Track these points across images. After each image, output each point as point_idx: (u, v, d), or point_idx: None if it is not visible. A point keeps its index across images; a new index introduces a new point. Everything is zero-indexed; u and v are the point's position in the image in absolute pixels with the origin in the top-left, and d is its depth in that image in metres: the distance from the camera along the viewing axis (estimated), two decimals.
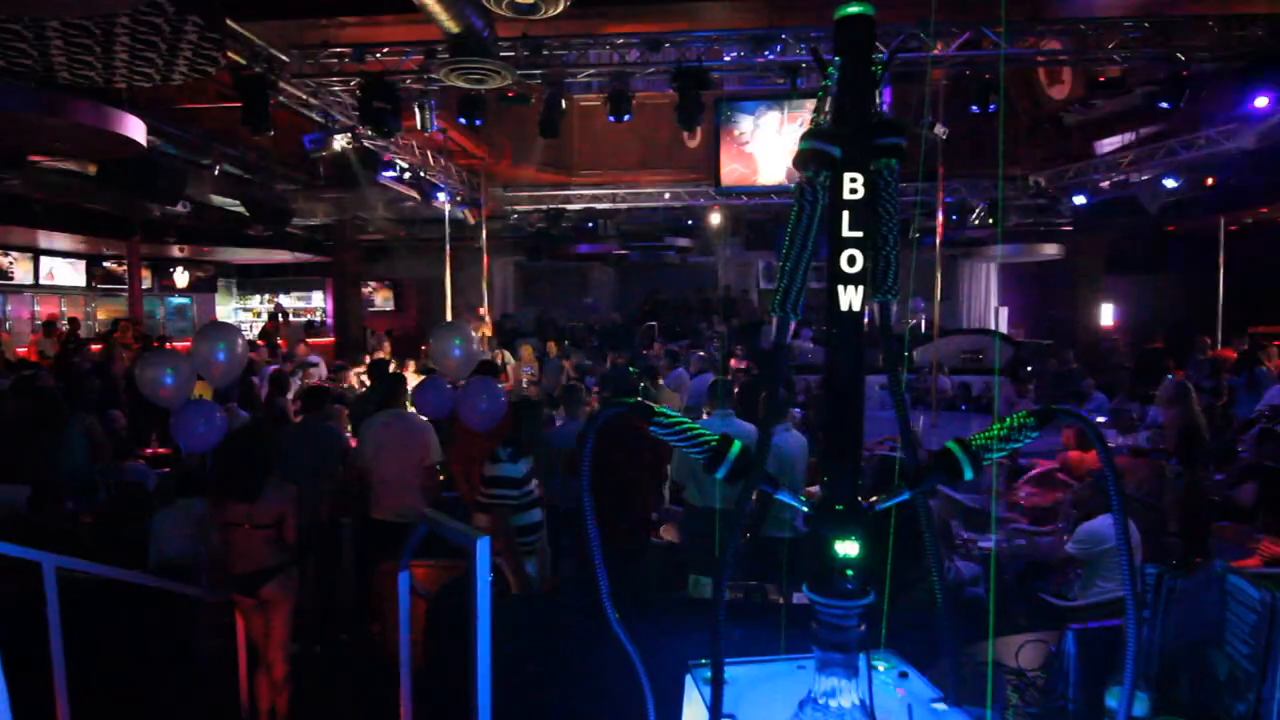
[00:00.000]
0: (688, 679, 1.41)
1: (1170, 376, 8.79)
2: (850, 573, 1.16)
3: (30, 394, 6.61)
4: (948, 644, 1.34)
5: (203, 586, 4.56)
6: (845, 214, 1.16)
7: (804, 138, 1.17)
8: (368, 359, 11.07)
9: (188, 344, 6.86)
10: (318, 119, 8.45)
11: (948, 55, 7.30)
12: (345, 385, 9.13)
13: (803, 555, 4.45)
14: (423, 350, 10.45)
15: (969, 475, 1.17)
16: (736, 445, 1.19)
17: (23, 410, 6.24)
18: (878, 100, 1.20)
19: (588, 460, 1.22)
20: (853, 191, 1.16)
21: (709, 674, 1.26)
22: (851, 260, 1.16)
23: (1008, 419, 1.17)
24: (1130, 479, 6.35)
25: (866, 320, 1.20)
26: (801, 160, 1.17)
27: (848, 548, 1.15)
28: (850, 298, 1.17)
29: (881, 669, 1.45)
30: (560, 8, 5.13)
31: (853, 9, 1.15)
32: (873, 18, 1.16)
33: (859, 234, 1.17)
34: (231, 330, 5.21)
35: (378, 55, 7.54)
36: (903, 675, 1.44)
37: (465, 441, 5.19)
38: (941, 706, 1.33)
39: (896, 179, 1.21)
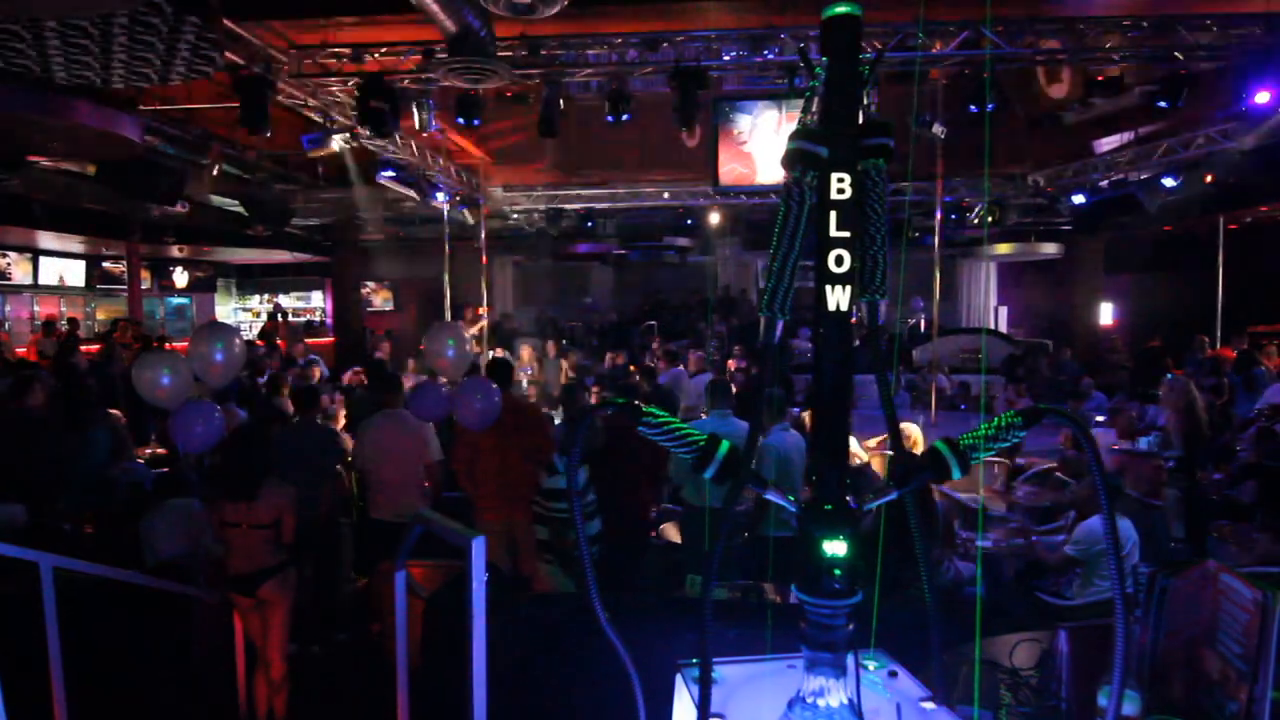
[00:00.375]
0: (677, 678, 1.41)
1: (1169, 375, 8.79)
2: (838, 572, 1.16)
3: (58, 391, 6.65)
4: (936, 643, 1.34)
5: (201, 586, 4.57)
6: (833, 214, 1.17)
7: (791, 138, 1.18)
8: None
9: (186, 344, 6.86)
10: (316, 119, 8.45)
11: (943, 55, 7.30)
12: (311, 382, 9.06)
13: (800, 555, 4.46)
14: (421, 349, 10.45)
15: (957, 474, 1.17)
16: (724, 445, 1.19)
17: (55, 407, 6.27)
18: (865, 100, 1.20)
19: (575, 460, 1.23)
20: (840, 191, 1.16)
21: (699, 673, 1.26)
22: (839, 260, 1.17)
23: (995, 418, 1.17)
24: (1129, 478, 6.35)
25: (854, 319, 1.20)
26: (789, 160, 1.17)
27: (836, 547, 1.16)
28: (838, 297, 1.17)
29: (871, 668, 1.45)
30: (556, 8, 5.13)
31: (840, 9, 1.15)
32: (860, 18, 1.16)
33: (846, 234, 1.17)
34: (228, 330, 5.19)
35: (375, 55, 7.55)
36: (892, 674, 1.44)
37: (467, 440, 5.19)
38: (930, 706, 1.33)
39: (884, 179, 1.21)
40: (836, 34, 1.18)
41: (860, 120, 1.19)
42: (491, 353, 11.38)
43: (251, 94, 6.89)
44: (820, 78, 1.19)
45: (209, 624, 4.64)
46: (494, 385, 5.11)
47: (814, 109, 1.21)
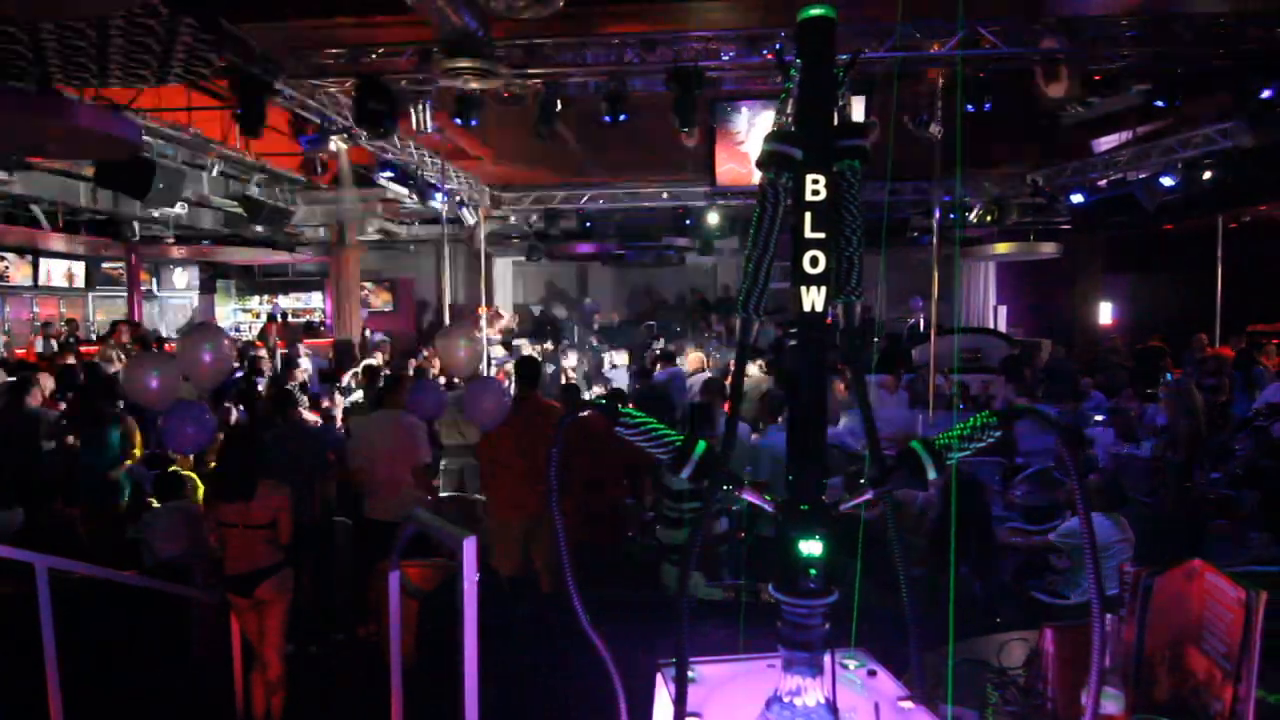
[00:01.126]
0: (658, 678, 1.42)
1: (1169, 375, 8.78)
2: (814, 572, 1.16)
3: (74, 389, 6.66)
4: (914, 643, 1.35)
5: (198, 587, 4.58)
6: (808, 215, 1.17)
7: (766, 140, 1.18)
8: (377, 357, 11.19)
9: None
10: (314, 120, 8.46)
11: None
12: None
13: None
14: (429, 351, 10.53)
15: (933, 475, 1.17)
16: (701, 445, 1.20)
17: (70, 406, 6.29)
18: (840, 101, 1.21)
19: (555, 461, 1.23)
20: (815, 193, 1.17)
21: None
22: (814, 261, 1.17)
23: (970, 419, 1.18)
24: (1129, 478, 6.36)
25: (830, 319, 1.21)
26: (764, 162, 1.18)
27: (812, 547, 1.16)
28: (813, 299, 1.17)
29: (851, 667, 1.45)
30: (553, 8, 5.14)
31: (814, 11, 1.16)
32: (834, 20, 1.17)
33: (822, 235, 1.17)
34: (217, 331, 5.18)
35: (373, 56, 7.55)
36: (871, 674, 1.44)
37: (490, 439, 5.17)
38: (908, 705, 1.34)
39: (859, 180, 1.22)
40: (811, 36, 1.18)
41: (835, 121, 1.20)
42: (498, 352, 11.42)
43: (249, 96, 6.90)
44: (794, 80, 1.20)
45: (207, 624, 4.65)
46: (505, 385, 5.11)
47: (789, 110, 1.22)
